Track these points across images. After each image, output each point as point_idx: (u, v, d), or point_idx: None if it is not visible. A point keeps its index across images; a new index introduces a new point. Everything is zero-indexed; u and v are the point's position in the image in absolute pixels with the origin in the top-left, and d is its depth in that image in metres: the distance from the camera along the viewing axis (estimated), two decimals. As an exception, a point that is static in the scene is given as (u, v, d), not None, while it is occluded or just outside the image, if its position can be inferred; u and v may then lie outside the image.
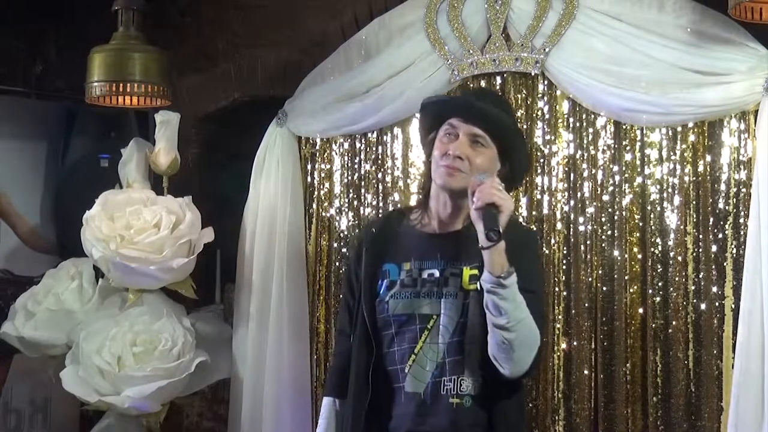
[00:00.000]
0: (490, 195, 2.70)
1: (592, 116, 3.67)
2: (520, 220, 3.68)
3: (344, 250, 4.11)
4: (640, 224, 3.59)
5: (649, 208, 3.58)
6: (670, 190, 3.55)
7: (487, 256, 2.69)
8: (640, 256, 3.58)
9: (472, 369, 2.78)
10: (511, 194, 3.48)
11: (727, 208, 3.46)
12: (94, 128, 4.86)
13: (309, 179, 4.18)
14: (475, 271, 2.79)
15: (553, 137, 3.73)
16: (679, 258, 3.51)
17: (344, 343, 3.05)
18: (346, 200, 4.11)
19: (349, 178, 4.11)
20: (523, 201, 3.75)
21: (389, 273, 2.92)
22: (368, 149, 4.07)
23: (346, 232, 4.12)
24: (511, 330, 2.67)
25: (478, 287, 2.76)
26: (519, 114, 3.75)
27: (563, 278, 3.68)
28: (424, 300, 2.84)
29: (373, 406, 2.87)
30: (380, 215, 3.17)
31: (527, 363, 2.72)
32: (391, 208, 3.82)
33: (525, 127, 3.75)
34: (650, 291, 3.55)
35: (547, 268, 3.69)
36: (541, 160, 3.73)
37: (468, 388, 2.79)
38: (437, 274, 2.86)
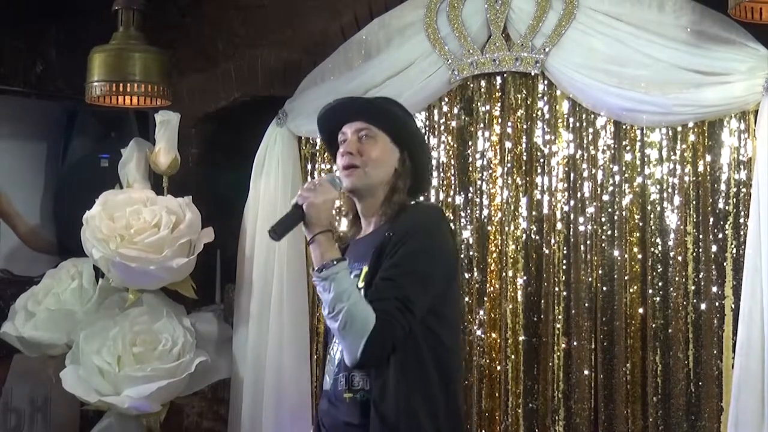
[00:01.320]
0: (297, 197, 2.81)
1: (592, 116, 3.67)
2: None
3: (344, 250, 4.12)
4: (640, 224, 3.59)
5: (649, 208, 3.58)
6: (670, 190, 3.55)
7: (311, 250, 2.78)
8: (640, 256, 3.59)
9: None
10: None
11: (727, 208, 3.46)
12: (94, 128, 4.85)
13: (309, 179, 4.18)
14: (367, 269, 2.82)
15: (553, 137, 3.73)
16: (679, 258, 3.51)
17: None
18: (346, 200, 4.11)
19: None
20: (523, 201, 3.75)
21: None
22: (368, 149, 4.06)
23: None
24: (333, 319, 2.69)
25: (364, 285, 2.80)
26: (519, 114, 3.76)
27: (563, 278, 3.68)
28: None
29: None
30: None
31: (357, 350, 2.67)
32: None
33: (525, 126, 3.75)
34: (650, 291, 3.55)
35: (547, 268, 3.69)
36: (541, 160, 3.74)
37: (360, 383, 2.80)
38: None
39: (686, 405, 3.48)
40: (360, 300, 2.69)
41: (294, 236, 4.08)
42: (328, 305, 2.70)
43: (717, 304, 3.45)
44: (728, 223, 3.45)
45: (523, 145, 3.76)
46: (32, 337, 4.07)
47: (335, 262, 2.72)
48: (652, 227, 3.57)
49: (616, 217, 3.62)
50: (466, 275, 3.81)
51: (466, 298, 3.80)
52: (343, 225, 3.13)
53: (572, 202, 3.69)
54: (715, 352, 3.44)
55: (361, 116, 2.92)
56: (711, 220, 3.48)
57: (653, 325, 3.54)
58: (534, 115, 3.75)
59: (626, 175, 3.61)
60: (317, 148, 4.17)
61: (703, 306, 3.47)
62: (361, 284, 2.80)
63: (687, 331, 3.50)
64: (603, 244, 3.63)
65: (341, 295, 2.69)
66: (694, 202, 3.51)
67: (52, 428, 4.45)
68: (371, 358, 2.70)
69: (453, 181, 3.88)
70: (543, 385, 3.68)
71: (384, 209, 2.89)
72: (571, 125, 3.71)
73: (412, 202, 2.94)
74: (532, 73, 3.70)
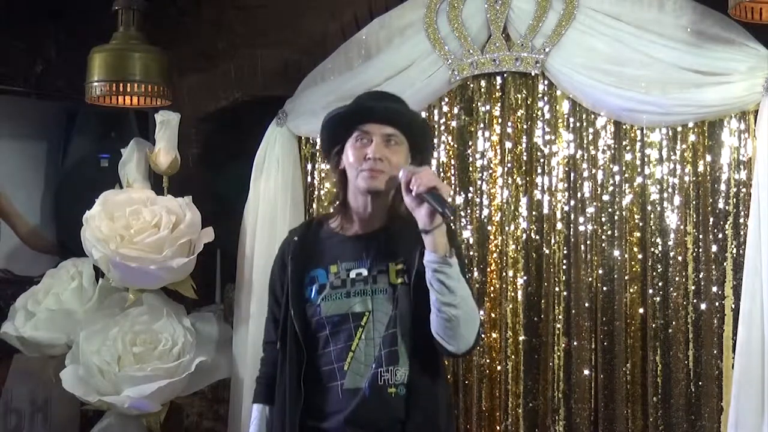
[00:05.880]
0: (430, 179, 2.79)
1: (592, 116, 3.67)
2: (520, 217, 3.69)
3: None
4: (640, 224, 3.60)
5: (649, 208, 3.58)
6: (670, 190, 3.56)
7: (431, 238, 2.77)
8: (640, 256, 3.59)
9: (404, 358, 2.87)
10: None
11: (727, 208, 3.46)
12: (94, 128, 4.86)
13: (309, 179, 4.18)
14: (401, 266, 2.89)
15: (553, 137, 3.73)
16: (679, 258, 3.51)
17: (270, 352, 3.11)
18: (346, 200, 4.11)
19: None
20: (523, 201, 3.75)
21: (318, 278, 2.97)
22: (368, 149, 4.07)
23: (346, 232, 4.11)
24: (457, 307, 2.76)
25: (405, 281, 2.88)
26: (519, 114, 3.76)
27: (563, 278, 3.68)
28: (356, 299, 2.91)
29: (306, 408, 2.92)
30: (298, 226, 3.25)
31: (472, 338, 2.83)
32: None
33: (525, 126, 3.76)
34: (650, 291, 3.55)
35: (547, 268, 3.69)
36: (541, 160, 3.74)
37: (402, 378, 2.86)
38: (365, 273, 2.92)
39: (686, 405, 3.49)
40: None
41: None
42: (455, 293, 2.76)
43: (717, 304, 3.45)
44: (728, 223, 3.45)
45: (523, 145, 3.76)
46: (32, 337, 4.07)
47: (454, 252, 2.80)
48: (652, 227, 3.57)
49: (616, 217, 3.62)
50: (467, 275, 3.81)
51: (466, 298, 3.80)
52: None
53: (572, 202, 3.69)
54: (715, 352, 3.44)
55: (392, 122, 2.94)
56: (711, 220, 3.48)
57: (653, 325, 3.54)
58: (534, 115, 3.75)
59: (626, 175, 3.62)
60: (317, 148, 4.17)
61: (703, 306, 3.47)
62: (399, 280, 2.87)
63: (687, 331, 3.50)
64: (603, 244, 3.64)
65: (464, 284, 2.80)
66: (694, 202, 3.52)
67: (52, 428, 4.45)
68: (476, 345, 2.89)
69: (453, 181, 3.88)
70: (543, 385, 3.68)
71: (392, 210, 2.94)
72: (571, 125, 3.71)
73: None
74: (532, 73, 3.70)
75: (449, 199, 2.78)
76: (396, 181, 2.88)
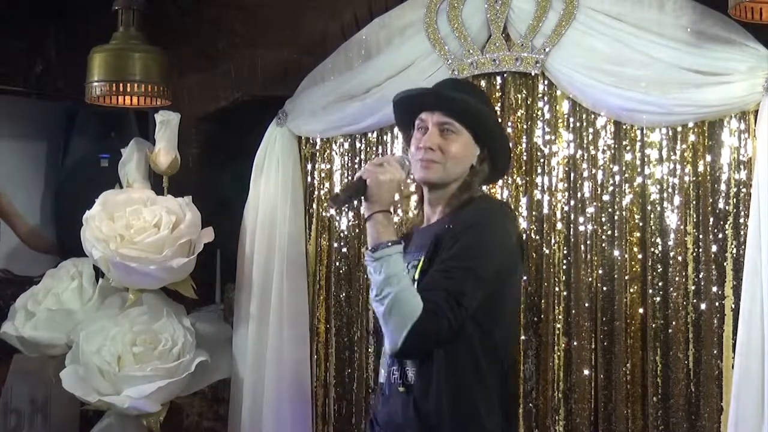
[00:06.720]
0: (364, 170, 2.77)
1: (592, 116, 3.67)
2: (524, 214, 3.69)
3: (344, 250, 4.12)
4: (640, 224, 3.59)
5: (649, 208, 3.58)
6: (670, 190, 3.55)
7: (367, 228, 2.75)
8: (640, 256, 3.58)
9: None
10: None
11: (727, 208, 3.46)
12: (94, 128, 4.86)
13: (309, 179, 4.19)
14: (424, 259, 2.77)
15: (553, 137, 3.73)
16: (679, 258, 3.51)
17: None
18: (347, 200, 4.11)
19: (349, 178, 4.11)
20: (523, 201, 3.75)
21: None
22: (368, 149, 4.07)
23: (346, 232, 4.12)
24: (379, 303, 2.65)
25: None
26: (519, 114, 3.76)
27: (563, 278, 3.68)
28: None
29: None
30: None
31: (399, 339, 2.63)
32: None
33: (525, 126, 3.76)
34: (650, 291, 3.55)
35: (547, 268, 3.69)
36: (541, 160, 3.74)
37: (413, 378, 2.77)
38: (408, 266, 2.86)
39: (686, 405, 3.48)
40: (410, 287, 2.65)
41: (294, 236, 4.11)
42: (376, 287, 2.66)
43: (717, 304, 3.45)
44: (728, 223, 3.45)
45: (523, 145, 3.76)
46: (32, 337, 4.07)
47: (390, 244, 2.68)
48: (652, 227, 3.57)
49: (616, 217, 3.62)
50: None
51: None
52: (411, 210, 3.07)
53: (572, 202, 3.69)
54: (715, 352, 3.44)
55: (445, 109, 2.86)
56: (711, 220, 3.48)
57: (653, 325, 3.54)
58: (534, 115, 3.75)
59: (626, 175, 3.61)
60: (317, 148, 4.18)
61: (703, 306, 3.47)
62: (417, 275, 2.75)
63: (687, 331, 3.50)
64: (603, 244, 3.63)
65: (391, 279, 2.65)
66: (694, 202, 3.51)
67: (52, 428, 4.45)
68: (413, 349, 2.66)
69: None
70: (543, 385, 3.68)
71: (451, 201, 2.87)
72: (571, 125, 3.71)
73: (479, 195, 2.92)
74: (532, 73, 3.70)
75: (374, 190, 2.71)
76: (457, 174, 2.84)
